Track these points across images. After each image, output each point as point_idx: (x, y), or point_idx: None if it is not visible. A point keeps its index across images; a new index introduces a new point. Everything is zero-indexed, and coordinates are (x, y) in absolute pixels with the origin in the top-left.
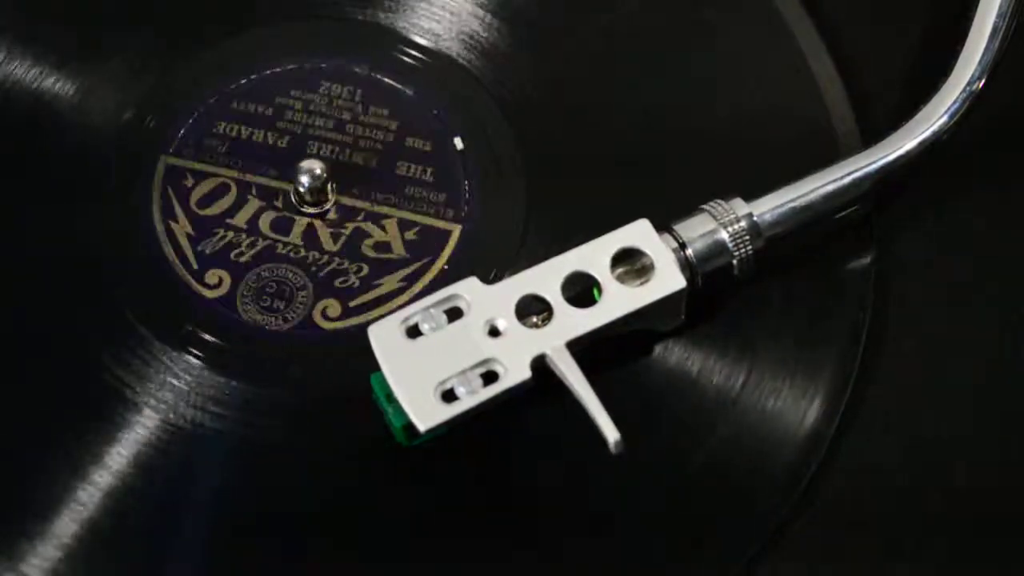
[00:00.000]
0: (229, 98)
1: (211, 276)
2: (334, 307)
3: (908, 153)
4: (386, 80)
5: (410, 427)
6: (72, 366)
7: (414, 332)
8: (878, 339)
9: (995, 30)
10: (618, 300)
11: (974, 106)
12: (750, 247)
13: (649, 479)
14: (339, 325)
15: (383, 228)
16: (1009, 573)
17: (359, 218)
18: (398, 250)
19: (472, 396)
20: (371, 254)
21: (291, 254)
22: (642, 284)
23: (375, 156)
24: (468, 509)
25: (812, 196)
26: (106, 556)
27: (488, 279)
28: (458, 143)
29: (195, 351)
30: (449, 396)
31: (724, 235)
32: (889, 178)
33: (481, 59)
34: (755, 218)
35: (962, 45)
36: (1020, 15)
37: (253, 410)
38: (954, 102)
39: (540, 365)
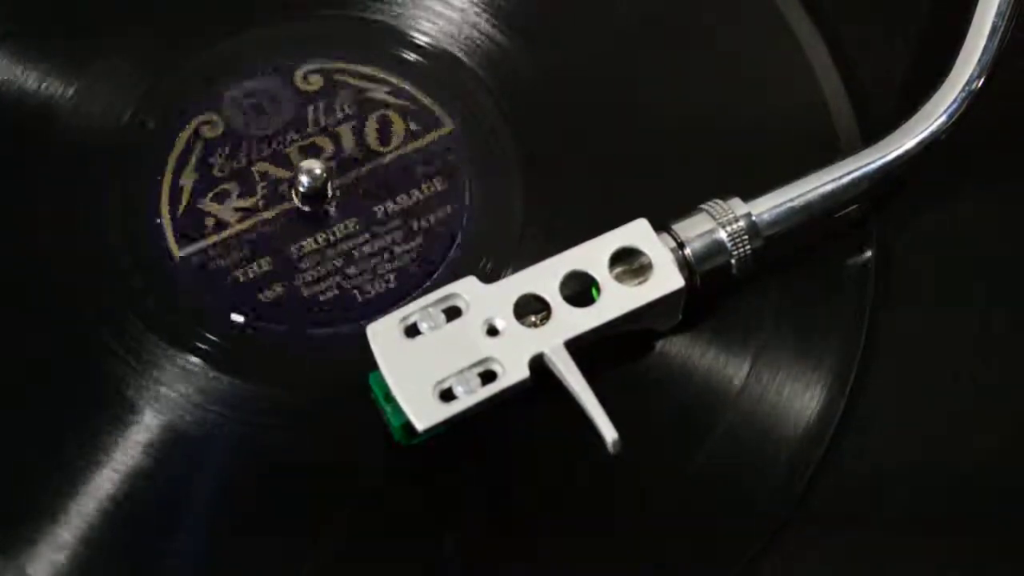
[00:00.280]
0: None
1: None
2: None
3: (907, 152)
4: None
5: (408, 426)
6: (73, 366)
7: (412, 331)
8: (877, 338)
9: (994, 30)
10: (616, 299)
11: (973, 106)
12: (749, 247)
13: (648, 479)
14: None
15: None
16: (1010, 572)
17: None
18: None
19: (470, 395)
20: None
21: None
22: (640, 283)
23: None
24: (467, 509)
25: (811, 196)
26: (107, 556)
27: (487, 278)
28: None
29: (196, 352)
30: (447, 395)
31: (723, 235)
32: (888, 177)
33: (481, 59)
34: (754, 218)
35: (961, 45)
36: (1019, 15)
37: (253, 410)
38: (953, 102)
39: (538, 364)
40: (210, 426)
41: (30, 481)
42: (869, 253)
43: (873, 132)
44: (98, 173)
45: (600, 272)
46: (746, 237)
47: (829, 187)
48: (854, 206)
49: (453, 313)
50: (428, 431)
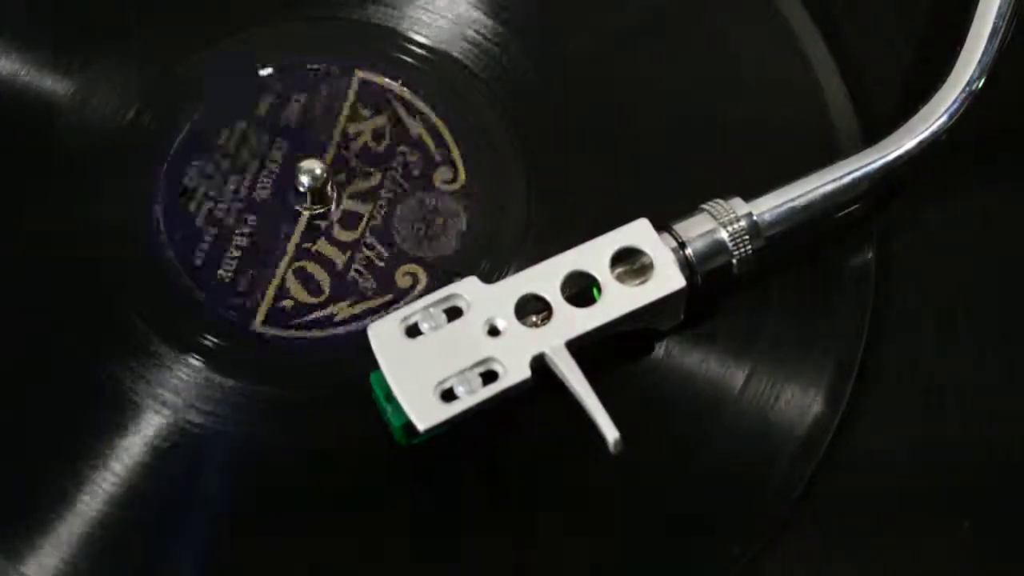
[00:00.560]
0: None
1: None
2: None
3: (908, 152)
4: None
5: (409, 426)
6: (73, 367)
7: (413, 331)
8: (878, 338)
9: (994, 30)
10: (617, 299)
11: (973, 106)
12: (750, 247)
13: (649, 479)
14: None
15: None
16: (1010, 571)
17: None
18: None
19: (471, 396)
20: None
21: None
22: (641, 284)
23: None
24: (467, 509)
25: (812, 195)
26: (108, 557)
27: (487, 278)
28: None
29: (197, 352)
30: (448, 395)
31: (723, 234)
32: (889, 178)
33: (481, 59)
34: (755, 217)
35: (961, 45)
36: (1019, 15)
37: (253, 410)
38: (953, 102)
39: (539, 364)
40: (210, 426)
41: (30, 481)
42: (870, 254)
43: (873, 132)
44: (98, 172)
45: (601, 272)
46: (747, 237)
47: (830, 187)
48: (855, 206)
49: (454, 313)
50: (429, 431)
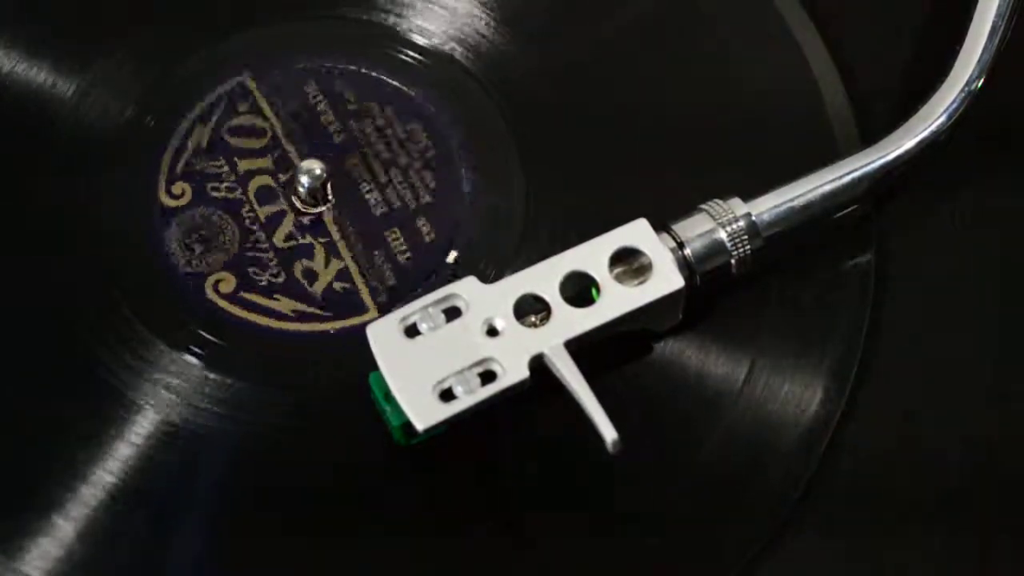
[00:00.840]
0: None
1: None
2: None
3: (907, 152)
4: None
5: (408, 426)
6: (72, 365)
7: (412, 331)
8: (877, 338)
9: (994, 30)
10: (616, 300)
11: (973, 106)
12: (748, 247)
13: (648, 479)
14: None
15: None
16: (1010, 571)
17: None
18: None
19: (470, 395)
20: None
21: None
22: (640, 284)
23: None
24: (466, 508)
25: (811, 196)
26: (106, 555)
27: (486, 278)
28: (450, 257)
29: (195, 350)
30: (447, 395)
31: (722, 235)
32: (888, 177)
33: (481, 59)
34: (753, 218)
35: (961, 45)
36: (1019, 15)
37: (252, 410)
38: (953, 102)
39: (538, 365)
40: (209, 426)
41: (30, 481)
42: (869, 254)
43: (873, 132)
44: (98, 171)
45: (600, 272)
46: (746, 237)
47: (829, 187)
48: (854, 206)
49: (453, 313)
50: (428, 431)
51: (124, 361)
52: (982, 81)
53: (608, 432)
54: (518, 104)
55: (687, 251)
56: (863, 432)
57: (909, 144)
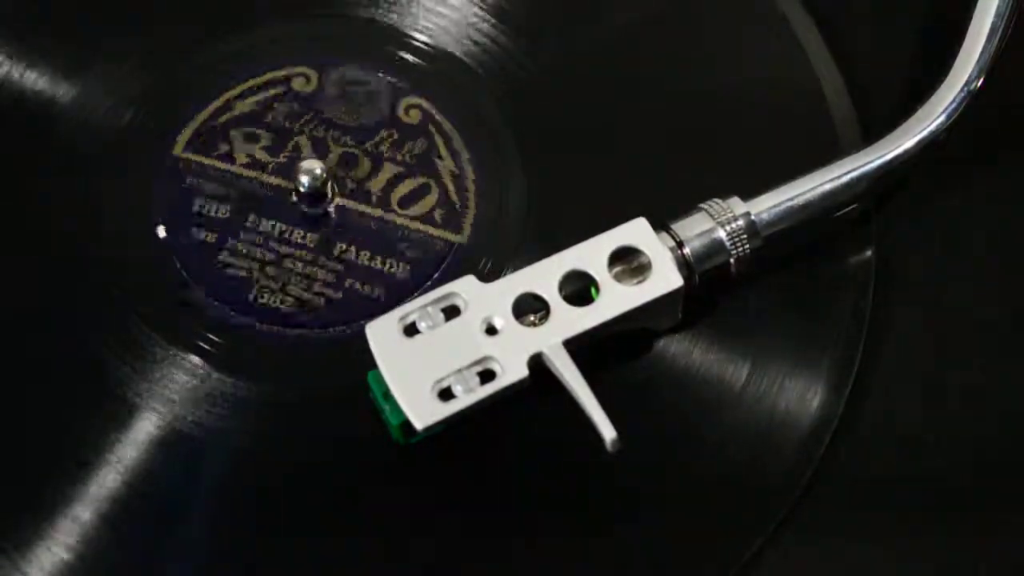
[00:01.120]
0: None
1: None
2: None
3: (907, 152)
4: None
5: (407, 425)
6: (73, 366)
7: (411, 330)
8: (878, 338)
9: (993, 30)
10: (615, 299)
11: (972, 106)
12: (748, 246)
13: (648, 478)
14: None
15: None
16: (1010, 571)
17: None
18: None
19: (469, 395)
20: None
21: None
22: (639, 283)
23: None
24: (466, 508)
25: (810, 195)
26: (107, 556)
27: (485, 277)
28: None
29: (196, 352)
30: (446, 394)
31: (722, 234)
32: (888, 177)
33: (481, 59)
34: (753, 217)
35: (960, 45)
36: (1019, 15)
37: (253, 410)
38: (952, 101)
39: (537, 364)
40: (210, 426)
41: (30, 481)
42: (869, 253)
43: (872, 131)
44: (98, 173)
45: (599, 271)
46: (745, 236)
47: (828, 186)
48: (853, 205)
49: (452, 312)
50: (427, 430)
51: (125, 362)
52: (982, 81)
53: (607, 431)
54: (518, 103)
55: (686, 250)
56: (863, 432)
57: (909, 144)
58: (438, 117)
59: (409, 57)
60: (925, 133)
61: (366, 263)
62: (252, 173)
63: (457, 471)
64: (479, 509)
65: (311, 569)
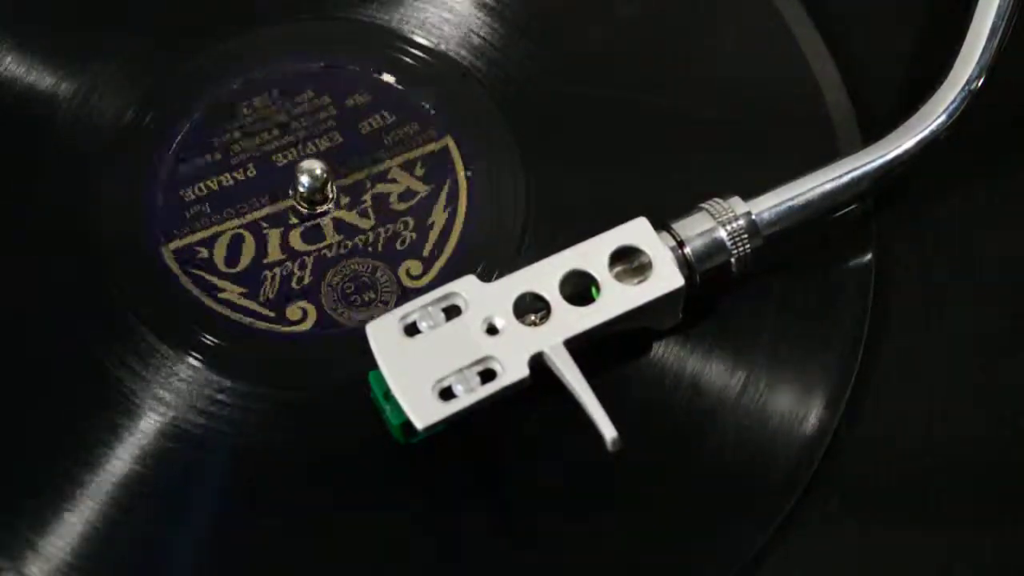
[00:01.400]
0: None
1: (293, 312)
2: (415, 266)
3: (907, 152)
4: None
5: (408, 425)
6: (74, 368)
7: (412, 330)
8: (878, 337)
9: (994, 30)
10: (616, 298)
11: (973, 105)
12: (748, 246)
13: (648, 479)
14: (427, 280)
15: (394, 180)
16: (1012, 571)
17: (369, 187)
18: (418, 187)
19: (470, 394)
20: (402, 206)
21: (342, 251)
22: (640, 282)
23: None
24: (466, 508)
25: (811, 195)
26: (108, 556)
27: (486, 277)
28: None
29: (196, 352)
30: (447, 394)
31: (722, 233)
32: (887, 177)
33: (481, 58)
34: (753, 216)
35: (960, 45)
36: (1019, 15)
37: (253, 410)
38: (953, 101)
39: (538, 363)
40: (210, 426)
41: (30, 481)
42: (869, 253)
43: (873, 131)
44: (98, 171)
45: (600, 271)
46: (746, 236)
47: (829, 186)
48: (854, 205)
49: (452, 312)
50: (427, 430)
51: (125, 362)
52: (982, 81)
53: (608, 431)
54: (517, 103)
55: (687, 250)
56: (864, 432)
57: (909, 143)
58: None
59: (409, 57)
60: (925, 133)
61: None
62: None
63: (457, 471)
64: (479, 509)
65: (311, 569)
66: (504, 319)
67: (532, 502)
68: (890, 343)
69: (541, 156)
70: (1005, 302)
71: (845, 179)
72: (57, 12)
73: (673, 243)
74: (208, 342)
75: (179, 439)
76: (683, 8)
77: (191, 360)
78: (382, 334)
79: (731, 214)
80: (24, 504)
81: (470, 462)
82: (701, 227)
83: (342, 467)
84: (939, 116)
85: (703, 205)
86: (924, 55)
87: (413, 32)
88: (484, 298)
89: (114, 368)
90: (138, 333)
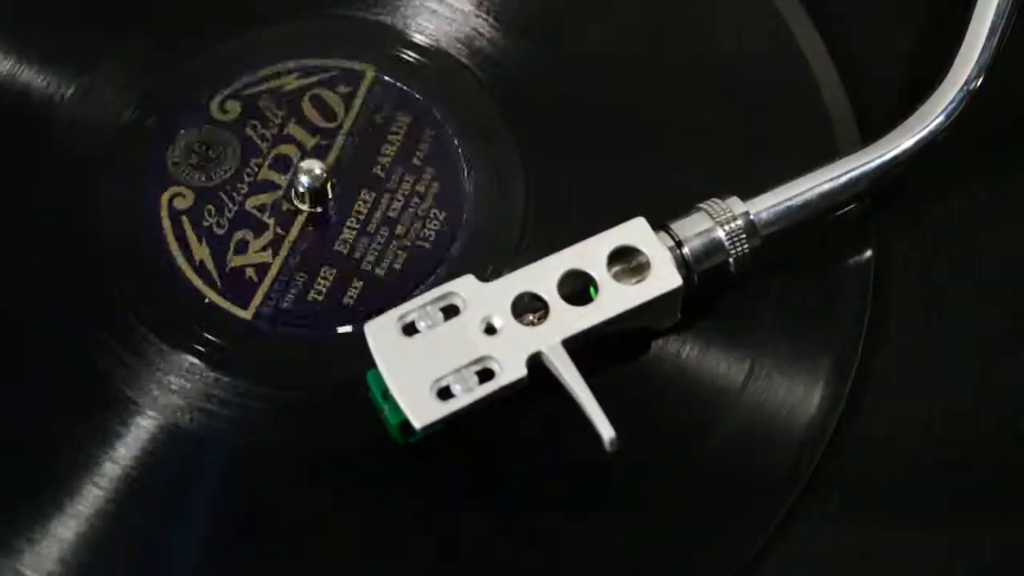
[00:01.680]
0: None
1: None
2: None
3: (906, 152)
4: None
5: (406, 425)
6: (73, 366)
7: (410, 329)
8: (877, 337)
9: (993, 29)
10: (614, 298)
11: (972, 105)
12: (747, 246)
13: (648, 478)
14: None
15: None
16: (1012, 571)
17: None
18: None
19: (468, 394)
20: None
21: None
22: (638, 282)
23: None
24: (465, 508)
25: (809, 195)
26: (107, 556)
27: (484, 277)
28: None
29: (196, 351)
30: (445, 394)
31: (720, 233)
32: (887, 177)
33: (481, 58)
34: (752, 217)
35: (960, 44)
36: (1018, 15)
37: (253, 410)
38: (952, 101)
39: (536, 363)
40: (209, 426)
41: (29, 480)
42: (869, 252)
43: (872, 131)
44: (98, 171)
45: (598, 271)
46: (744, 236)
47: (827, 186)
48: (853, 205)
49: (451, 311)
50: (425, 429)
51: (124, 361)
52: (981, 80)
53: (606, 431)
54: (518, 103)
55: (685, 250)
56: (863, 431)
57: (908, 143)
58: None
59: (409, 57)
60: (924, 133)
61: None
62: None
63: (457, 471)
64: (479, 509)
65: (311, 569)
66: (502, 319)
67: (531, 502)
68: (890, 343)
69: (541, 156)
70: (1005, 302)
71: (844, 179)
72: (57, 12)
73: (671, 243)
74: (208, 341)
75: (179, 439)
76: (683, 8)
77: (191, 360)
78: (380, 333)
79: (729, 214)
80: (23, 503)
81: (469, 462)
82: (699, 227)
83: (341, 467)
84: (938, 116)
85: (701, 205)
86: (923, 55)
87: (413, 32)
88: (482, 298)
89: (114, 368)
90: (138, 333)
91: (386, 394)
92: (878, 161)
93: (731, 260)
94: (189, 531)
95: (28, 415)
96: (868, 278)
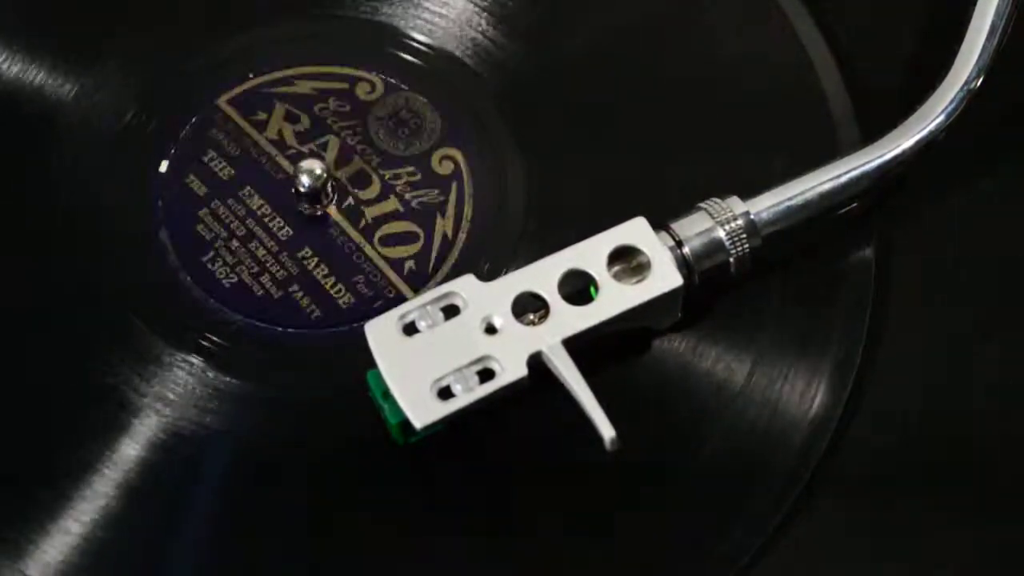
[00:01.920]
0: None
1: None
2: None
3: (905, 152)
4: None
5: (406, 424)
6: (73, 366)
7: (410, 329)
8: (877, 337)
9: (993, 29)
10: (614, 298)
11: (972, 105)
12: (747, 245)
13: (648, 478)
14: None
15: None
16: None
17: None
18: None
19: (468, 394)
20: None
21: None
22: (639, 282)
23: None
24: (465, 507)
25: (810, 194)
26: (107, 556)
27: (485, 277)
28: None
29: (197, 352)
30: (445, 393)
31: (721, 233)
32: (887, 177)
33: (481, 57)
34: (752, 216)
35: (960, 44)
36: (1018, 15)
37: (253, 410)
38: (952, 101)
39: (536, 363)
40: (210, 426)
41: (30, 480)
42: (869, 252)
43: (872, 131)
44: (98, 171)
45: (598, 270)
46: (744, 236)
47: (827, 186)
48: (853, 205)
49: (451, 311)
50: (426, 429)
51: (125, 362)
52: (981, 80)
53: (606, 430)
54: (517, 102)
55: (685, 249)
56: (864, 430)
57: (908, 143)
58: (467, 176)
59: (409, 57)
60: (924, 133)
61: (318, 278)
62: (272, 150)
63: (457, 471)
64: (479, 509)
65: (311, 569)
66: (503, 318)
67: (532, 502)
68: (890, 343)
69: (541, 156)
70: (1005, 301)
71: (844, 179)
72: (57, 12)
73: (672, 243)
74: (208, 342)
75: (179, 439)
76: (683, 8)
77: (191, 360)
78: (380, 333)
79: (730, 214)
80: (24, 504)
81: (469, 462)
82: (700, 227)
83: (341, 467)
84: (938, 116)
85: (702, 205)
86: (924, 55)
87: (413, 31)
88: (483, 297)
89: (114, 368)
90: (138, 333)
91: (386, 394)
92: (878, 161)
93: (731, 260)
94: (190, 531)
95: (28, 415)
96: (868, 278)
